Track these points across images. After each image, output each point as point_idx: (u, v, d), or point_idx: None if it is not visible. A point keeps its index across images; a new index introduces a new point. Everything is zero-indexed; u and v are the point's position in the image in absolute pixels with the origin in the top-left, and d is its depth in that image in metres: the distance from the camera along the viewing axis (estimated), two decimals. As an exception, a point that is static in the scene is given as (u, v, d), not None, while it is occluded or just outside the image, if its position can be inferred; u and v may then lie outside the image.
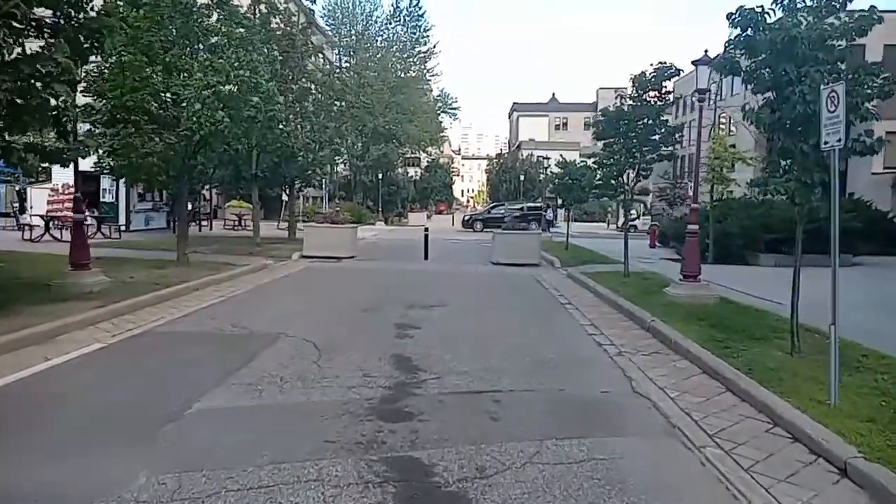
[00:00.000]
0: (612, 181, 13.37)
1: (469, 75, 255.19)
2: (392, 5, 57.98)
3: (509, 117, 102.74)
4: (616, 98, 12.99)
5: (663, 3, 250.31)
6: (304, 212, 28.41)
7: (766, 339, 7.46)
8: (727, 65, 6.80)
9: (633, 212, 46.77)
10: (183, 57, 12.59)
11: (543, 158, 29.67)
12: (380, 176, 45.57)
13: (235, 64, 12.78)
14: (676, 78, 13.17)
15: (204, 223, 30.12)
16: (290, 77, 20.99)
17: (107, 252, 16.43)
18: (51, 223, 19.71)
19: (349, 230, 18.00)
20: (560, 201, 25.76)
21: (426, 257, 18.06)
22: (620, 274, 13.94)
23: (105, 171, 13.60)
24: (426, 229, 18.68)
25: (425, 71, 60.98)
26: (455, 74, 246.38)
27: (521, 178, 43.80)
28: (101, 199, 25.63)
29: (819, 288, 6.30)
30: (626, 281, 12.79)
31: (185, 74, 12.40)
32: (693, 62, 10.07)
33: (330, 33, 54.72)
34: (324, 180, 43.73)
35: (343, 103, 20.76)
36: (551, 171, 21.43)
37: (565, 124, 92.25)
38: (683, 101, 65.57)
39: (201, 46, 13.41)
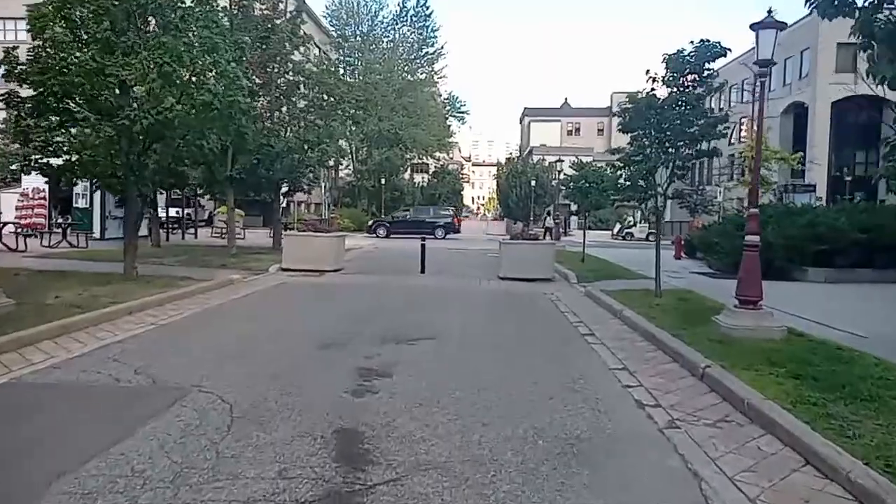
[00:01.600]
0: (641, 182, 11.10)
1: (480, 82, 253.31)
2: (398, 5, 56.03)
3: (520, 122, 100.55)
4: (647, 81, 10.76)
5: (680, 7, 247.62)
6: (298, 219, 26.31)
7: (881, 400, 5.19)
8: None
9: (630, 219, 44.54)
10: (126, 34, 10.50)
11: (558, 161, 27.46)
12: (382, 181, 43.42)
13: (196, 44, 10.71)
14: (722, 61, 10.95)
15: (190, 231, 28.11)
16: (275, 70, 18.94)
17: (55, 264, 14.43)
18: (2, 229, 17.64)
19: (335, 240, 15.84)
20: (574, 207, 23.52)
21: (422, 270, 15.85)
22: (650, 293, 11.69)
23: (35, 170, 11.47)
24: (423, 238, 16.47)
25: (433, 73, 59.08)
26: (466, 82, 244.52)
27: (532, 183, 41.49)
28: (74, 205, 23.74)
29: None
30: (659, 303, 10.51)
31: (128, 54, 10.31)
32: (752, 26, 7.83)
33: (334, 34, 52.97)
34: (325, 185, 41.77)
35: (334, 99, 18.59)
36: (565, 174, 19.10)
37: (578, 129, 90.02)
38: (728, 91, 63.59)
39: (153, 22, 11.34)
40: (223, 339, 7.43)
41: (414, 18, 55.73)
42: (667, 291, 11.92)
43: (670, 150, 11.06)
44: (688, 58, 10.73)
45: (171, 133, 11.62)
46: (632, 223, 41.87)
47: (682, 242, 22.90)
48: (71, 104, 10.90)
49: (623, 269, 17.42)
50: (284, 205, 33.86)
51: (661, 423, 4.92)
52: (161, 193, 25.96)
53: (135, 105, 10.09)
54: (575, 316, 10.01)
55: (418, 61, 57.83)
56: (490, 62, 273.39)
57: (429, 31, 56.35)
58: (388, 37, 55.77)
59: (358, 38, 53.81)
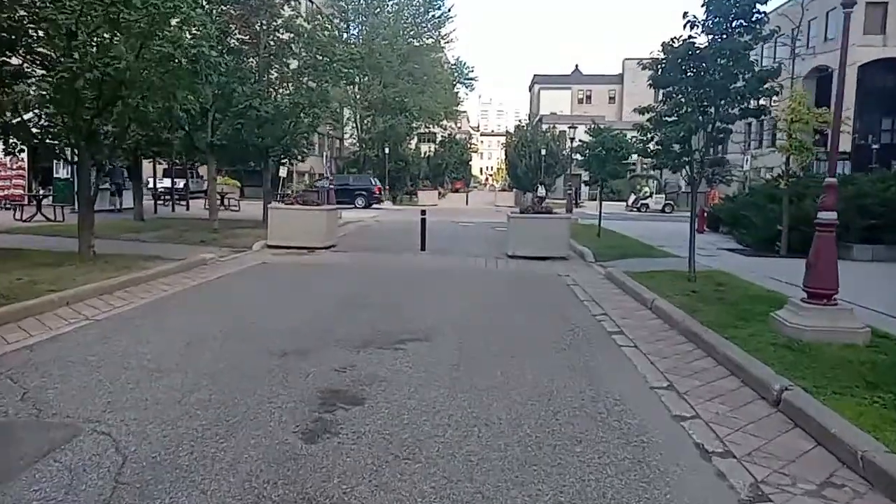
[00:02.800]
0: (675, 146, 9.40)
1: (488, 50, 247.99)
2: (403, -35, 53.34)
3: (530, 90, 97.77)
4: (684, 27, 8.98)
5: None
6: (296, 191, 24.75)
7: None
8: None
9: (645, 189, 42.52)
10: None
11: (570, 128, 25.57)
12: (386, 150, 41.58)
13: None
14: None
15: (183, 203, 26.60)
16: (262, 26, 17.17)
17: (16, 240, 13.12)
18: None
19: (326, 213, 14.28)
20: (586, 177, 21.81)
21: (423, 247, 14.29)
22: (680, 276, 10.12)
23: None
24: (423, 212, 14.86)
25: (440, 37, 56.63)
26: (474, 49, 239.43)
27: (543, 152, 39.60)
28: (55, 175, 22.23)
29: None
30: (696, 290, 8.92)
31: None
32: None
33: (337, -2, 50.56)
34: (326, 153, 40.20)
35: (327, 58, 16.83)
36: (580, 141, 17.35)
37: (589, 97, 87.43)
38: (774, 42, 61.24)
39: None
40: (161, 343, 5.94)
41: (419, -21, 53.20)
42: (699, 273, 10.32)
43: (710, 109, 9.35)
44: (734, -2, 8.96)
45: (129, 92, 10.00)
46: (647, 194, 39.96)
47: (706, 215, 21.14)
48: (13, 58, 9.33)
49: (644, 246, 15.81)
50: (284, 174, 32.26)
51: (743, 492, 3.39)
52: (149, 162, 24.48)
53: (75, 55, 8.47)
54: (597, 306, 8.45)
55: (424, 25, 55.35)
56: (499, 28, 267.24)
57: (435, -8, 53.72)
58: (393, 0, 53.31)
59: (362, 1, 51.37)
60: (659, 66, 9.43)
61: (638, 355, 6.03)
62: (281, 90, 18.48)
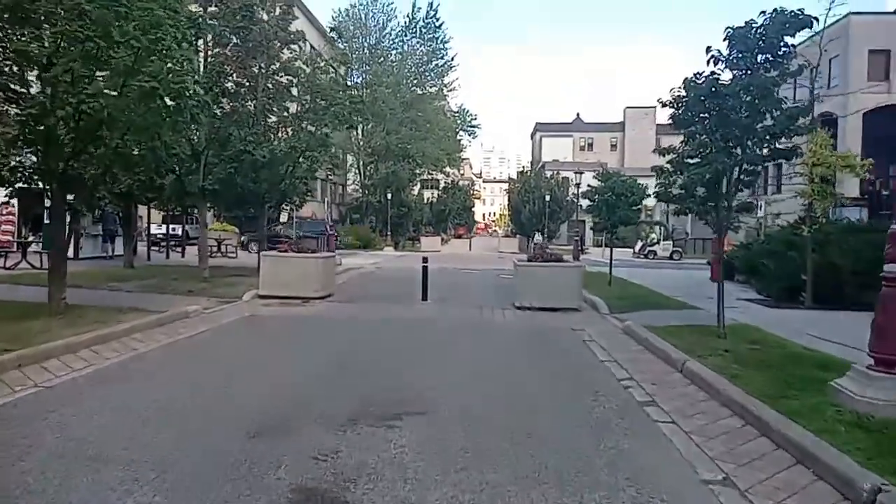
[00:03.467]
0: (699, 189, 8.60)
1: (490, 99, 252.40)
2: (407, 17, 54.20)
3: (531, 138, 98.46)
4: (708, 62, 8.30)
5: (692, 27, 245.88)
6: (286, 235, 23.99)
7: None
8: None
9: (652, 235, 41.67)
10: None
11: (577, 173, 25.00)
12: (389, 196, 41.10)
13: (133, 16, 8.43)
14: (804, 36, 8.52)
15: (177, 250, 25.84)
16: (260, 69, 16.73)
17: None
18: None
19: (322, 261, 13.45)
20: (591, 223, 21.03)
21: (424, 297, 13.40)
22: (707, 330, 9.25)
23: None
24: (425, 259, 14.01)
25: (442, 86, 57.07)
26: (476, 98, 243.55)
27: (547, 198, 39.02)
28: (46, 221, 21.53)
29: None
30: (728, 349, 7.97)
31: (39, 27, 8.06)
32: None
33: (341, 46, 51.07)
34: (327, 199, 39.72)
35: (326, 101, 16.33)
36: (589, 186, 16.64)
37: (591, 145, 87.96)
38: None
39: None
40: (111, 421, 5.00)
41: (423, 30, 53.90)
42: (729, 328, 9.41)
43: (735, 149, 8.59)
44: (759, 31, 8.32)
45: (110, 132, 9.32)
46: (654, 240, 39.18)
47: (720, 262, 20.22)
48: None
49: (659, 296, 14.87)
50: (285, 220, 31.65)
51: None
52: (148, 208, 23.80)
53: (48, 91, 7.81)
54: (620, 368, 7.50)
55: (427, 74, 55.88)
56: (500, 78, 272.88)
57: (438, 42, 54.47)
58: (397, 49, 53.92)
59: (366, 50, 51.94)
60: (680, 105, 8.72)
61: (679, 435, 5.07)
62: (280, 134, 17.92)
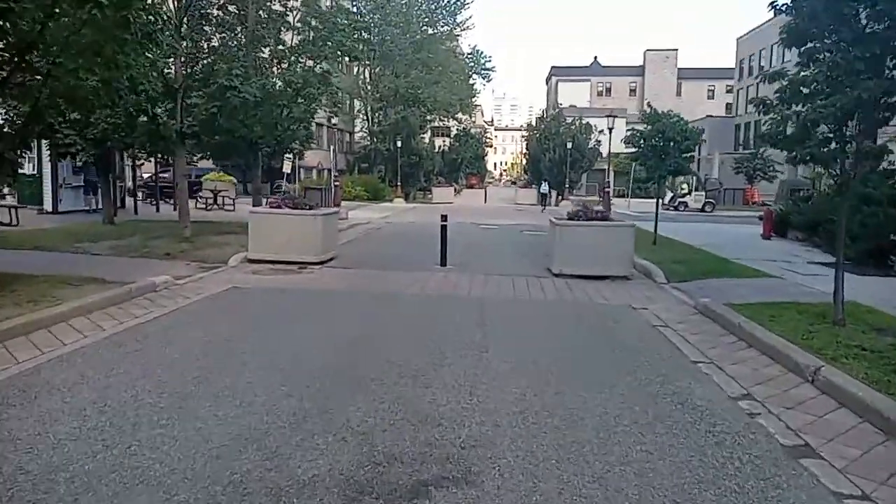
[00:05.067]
0: (826, 128, 6.32)
1: (502, 44, 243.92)
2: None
3: (547, 83, 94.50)
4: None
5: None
6: (285, 191, 21.77)
7: None
8: None
9: (683, 185, 38.95)
10: None
11: (610, 116, 22.17)
12: (398, 144, 38.55)
13: None
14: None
15: (170, 202, 23.79)
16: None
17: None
18: None
19: (322, 219, 11.32)
20: (640, 173, 18.68)
21: (443, 262, 11.33)
22: (807, 312, 7.30)
23: None
24: (444, 217, 11.86)
25: (455, 25, 53.45)
26: (487, 43, 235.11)
27: (569, 145, 36.36)
28: (19, 171, 19.46)
29: None
30: (859, 343, 5.86)
31: None
32: None
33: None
34: (332, 147, 37.28)
35: (325, 30, 13.88)
36: (633, 130, 14.24)
37: (609, 90, 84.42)
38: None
39: None
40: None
41: (434, -40, 50.03)
42: (824, 304, 7.35)
43: (867, 76, 6.25)
44: None
45: (44, 54, 7.17)
46: (685, 191, 36.50)
47: (773, 216, 17.99)
48: None
49: (716, 259, 12.70)
50: (288, 170, 29.36)
51: None
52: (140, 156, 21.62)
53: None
54: (721, 373, 5.42)
55: (439, 12, 52.25)
56: (513, 21, 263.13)
57: (451, -26, 50.55)
58: (406, -18, 50.13)
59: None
60: (798, 11, 6.35)
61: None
62: (275, 69, 15.56)
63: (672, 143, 13.69)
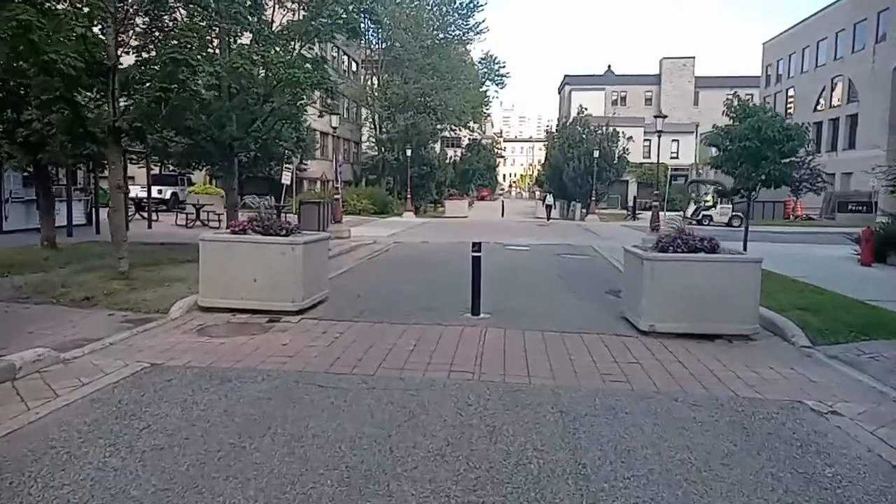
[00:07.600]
0: None
1: (511, 55, 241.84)
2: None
3: (559, 92, 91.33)
4: None
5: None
6: (258, 206, 18.47)
7: None
8: None
9: (707, 196, 35.38)
10: None
11: (659, 117, 18.98)
12: (408, 152, 35.32)
13: None
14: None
15: (140, 216, 20.61)
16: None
17: None
18: None
19: (303, 249, 7.95)
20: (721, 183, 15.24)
21: (474, 310, 7.98)
22: None
23: None
24: (476, 247, 8.45)
25: (467, 29, 50.42)
26: (495, 52, 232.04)
27: (595, 154, 33.05)
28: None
29: None
30: None
31: None
32: None
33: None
34: (336, 156, 34.16)
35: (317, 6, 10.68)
36: (717, 129, 10.86)
37: (623, 99, 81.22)
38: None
39: None
40: None
41: (446, -39, 47.11)
42: None
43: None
44: None
45: None
46: (709, 203, 33.04)
47: (873, 238, 14.51)
48: None
49: (856, 303, 9.18)
50: (287, 182, 26.21)
51: None
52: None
53: None
54: None
55: (451, 16, 49.29)
56: (521, 32, 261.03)
57: (463, -25, 47.60)
58: (417, -13, 47.24)
59: (382, -13, 45.40)
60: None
61: None
62: (255, 56, 12.32)
63: (766, 144, 10.34)
